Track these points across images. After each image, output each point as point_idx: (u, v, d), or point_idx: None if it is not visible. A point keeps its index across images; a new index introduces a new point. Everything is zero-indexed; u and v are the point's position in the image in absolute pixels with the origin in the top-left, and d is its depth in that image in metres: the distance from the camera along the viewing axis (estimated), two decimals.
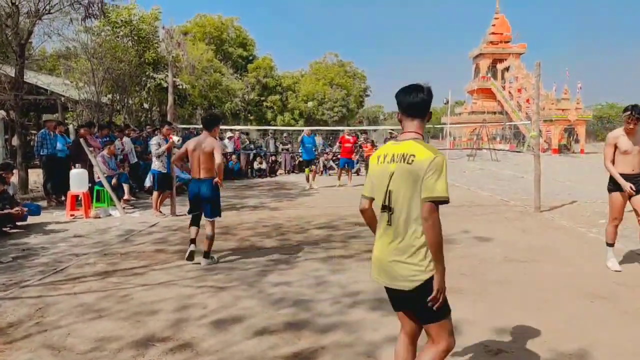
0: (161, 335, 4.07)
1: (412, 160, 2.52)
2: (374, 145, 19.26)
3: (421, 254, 2.53)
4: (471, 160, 28.53)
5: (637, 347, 3.79)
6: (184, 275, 5.76)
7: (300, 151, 15.56)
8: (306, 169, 15.46)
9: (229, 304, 4.77)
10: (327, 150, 22.94)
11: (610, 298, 4.87)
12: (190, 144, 6.35)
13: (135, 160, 13.22)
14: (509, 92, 46.13)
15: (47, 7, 12.51)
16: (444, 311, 2.59)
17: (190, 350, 3.77)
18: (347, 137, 16.02)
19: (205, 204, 6.27)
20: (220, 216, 6.44)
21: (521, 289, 5.17)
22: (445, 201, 2.47)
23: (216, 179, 6.22)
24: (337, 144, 17.52)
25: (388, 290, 2.72)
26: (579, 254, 6.63)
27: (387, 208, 2.63)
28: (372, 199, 2.79)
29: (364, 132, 18.29)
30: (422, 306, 2.56)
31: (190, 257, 6.21)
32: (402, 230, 2.57)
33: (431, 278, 2.52)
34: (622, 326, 4.21)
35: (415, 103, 2.66)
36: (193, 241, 6.30)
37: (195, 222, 6.44)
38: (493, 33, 50.66)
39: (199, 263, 6.19)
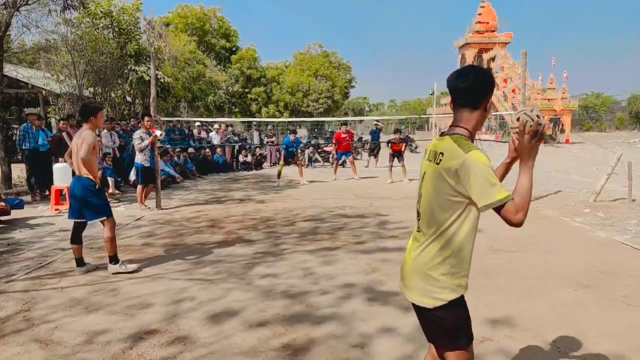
0: (151, 328, 4.06)
1: (440, 160, 2.15)
2: None
3: (444, 267, 2.17)
4: None
5: (622, 333, 3.87)
6: (172, 269, 5.75)
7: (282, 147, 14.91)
8: (280, 165, 14.49)
9: (219, 297, 4.78)
10: (312, 142, 22.85)
11: (594, 286, 4.97)
12: (74, 138, 5.80)
13: (118, 154, 13.12)
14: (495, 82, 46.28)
15: None
16: (463, 337, 2.24)
17: (180, 343, 3.77)
18: (343, 135, 15.61)
19: (81, 206, 5.56)
20: (107, 216, 5.58)
21: (506, 278, 5.24)
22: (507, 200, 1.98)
23: (88, 176, 5.52)
24: (334, 141, 16.84)
25: (414, 306, 2.35)
26: (563, 243, 6.73)
27: (418, 213, 2.32)
28: None
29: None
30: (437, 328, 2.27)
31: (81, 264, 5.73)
32: (426, 238, 2.22)
33: (455, 301, 2.18)
34: (606, 313, 4.29)
35: (461, 88, 2.25)
36: (80, 262, 5.71)
37: (75, 237, 5.71)
38: (479, 22, 50.23)
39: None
